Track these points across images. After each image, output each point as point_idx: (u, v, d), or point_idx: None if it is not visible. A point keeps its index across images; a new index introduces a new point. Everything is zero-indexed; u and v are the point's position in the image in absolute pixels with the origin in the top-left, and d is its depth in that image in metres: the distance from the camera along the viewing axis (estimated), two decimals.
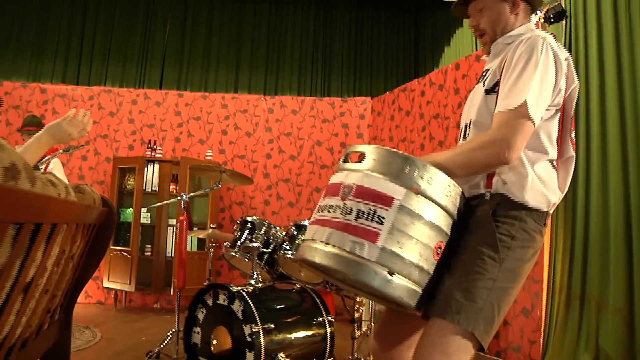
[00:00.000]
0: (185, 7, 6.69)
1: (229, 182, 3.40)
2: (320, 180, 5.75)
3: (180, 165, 5.15)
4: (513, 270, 1.47)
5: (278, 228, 3.12)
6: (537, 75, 1.47)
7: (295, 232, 2.96)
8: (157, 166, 5.40)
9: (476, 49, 5.30)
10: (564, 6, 3.87)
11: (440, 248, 1.40)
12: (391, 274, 1.33)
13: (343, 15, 6.67)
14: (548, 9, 3.90)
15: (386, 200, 1.35)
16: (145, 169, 5.30)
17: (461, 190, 1.45)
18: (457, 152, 1.47)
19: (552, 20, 3.92)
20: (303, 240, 1.50)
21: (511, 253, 1.46)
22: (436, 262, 1.39)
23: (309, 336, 2.75)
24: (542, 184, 1.53)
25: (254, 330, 2.46)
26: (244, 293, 2.60)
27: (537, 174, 1.52)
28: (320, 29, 6.69)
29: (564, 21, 3.90)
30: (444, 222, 1.40)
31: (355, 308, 3.07)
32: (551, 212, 1.58)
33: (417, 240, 1.34)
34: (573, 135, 1.64)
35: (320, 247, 1.37)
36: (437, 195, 1.37)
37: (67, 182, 1.38)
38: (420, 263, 1.35)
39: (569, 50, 3.73)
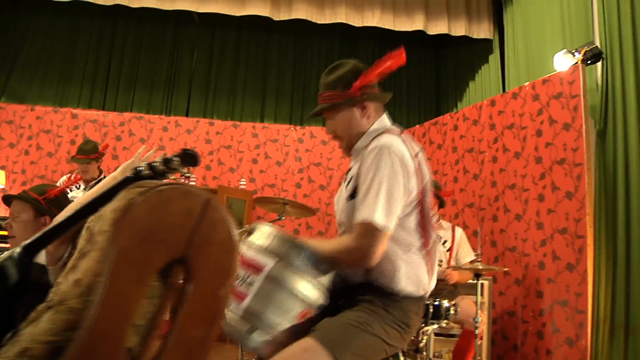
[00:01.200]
0: (212, 36, 6.81)
1: (291, 215, 3.48)
2: None
3: (218, 193, 5.20)
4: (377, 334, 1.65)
5: None
6: (383, 188, 1.63)
7: None
8: None
9: (503, 86, 5.49)
10: (600, 47, 4.08)
11: (306, 315, 1.60)
12: (252, 330, 1.54)
13: (366, 48, 6.86)
14: (585, 51, 4.10)
15: (257, 269, 1.58)
16: None
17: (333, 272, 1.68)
18: (330, 249, 1.68)
19: (589, 62, 4.12)
20: None
21: (376, 320, 1.65)
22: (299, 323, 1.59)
23: None
24: (412, 273, 1.71)
25: None
26: None
27: (407, 266, 1.70)
28: None
29: (600, 62, 4.10)
30: (312, 294, 1.60)
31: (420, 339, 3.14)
32: (427, 295, 1.78)
33: (279, 306, 1.55)
34: (435, 219, 1.89)
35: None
36: (306, 270, 1.60)
37: None
38: (280, 326, 1.54)
39: (606, 90, 3.92)
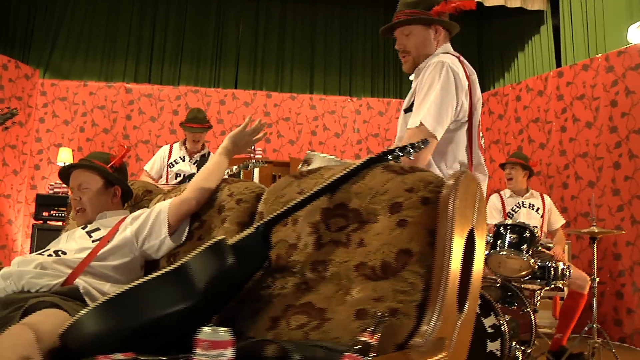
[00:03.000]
0: (257, 8, 6.77)
1: None
2: None
3: (291, 166, 5.29)
4: None
5: None
6: (437, 98, 1.75)
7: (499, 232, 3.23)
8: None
9: (557, 57, 5.64)
10: None
11: None
12: None
13: None
14: None
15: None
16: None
17: None
18: None
19: None
20: None
21: None
22: None
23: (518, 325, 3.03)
24: None
25: (499, 321, 2.71)
26: None
27: None
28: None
29: None
30: None
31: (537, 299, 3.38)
32: None
33: None
34: (482, 142, 1.98)
35: None
36: None
37: None
38: None
39: None
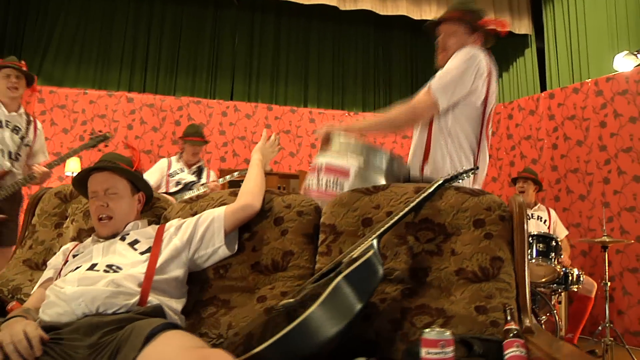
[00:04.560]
0: (252, 20, 6.89)
1: None
2: None
3: (300, 178, 5.44)
4: None
5: None
6: (455, 74, 1.98)
7: None
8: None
9: (542, 80, 6.10)
10: None
11: None
12: None
13: (399, 37, 7.25)
14: None
15: (344, 173, 1.91)
16: None
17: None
18: (393, 112, 2.07)
19: None
20: None
21: None
22: None
23: None
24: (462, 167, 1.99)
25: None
26: None
27: (457, 163, 2.03)
28: (380, 49, 7.22)
29: None
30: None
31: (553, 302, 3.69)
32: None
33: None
34: (490, 132, 2.17)
35: None
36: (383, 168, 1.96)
37: None
38: None
39: None
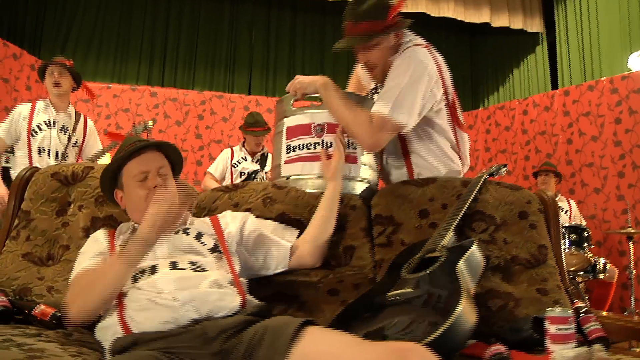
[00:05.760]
0: (269, 15, 7.00)
1: None
2: None
3: None
4: None
5: None
6: (402, 89, 1.73)
7: None
8: None
9: (553, 77, 6.30)
10: None
11: None
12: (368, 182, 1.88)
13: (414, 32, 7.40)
14: None
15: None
16: None
17: None
18: (351, 111, 1.76)
19: None
20: (289, 176, 1.83)
21: None
22: None
23: None
24: (452, 163, 1.99)
25: None
26: None
27: (447, 161, 1.99)
28: None
29: None
30: None
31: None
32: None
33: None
34: (461, 118, 2.02)
35: (312, 180, 1.81)
36: None
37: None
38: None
39: None
